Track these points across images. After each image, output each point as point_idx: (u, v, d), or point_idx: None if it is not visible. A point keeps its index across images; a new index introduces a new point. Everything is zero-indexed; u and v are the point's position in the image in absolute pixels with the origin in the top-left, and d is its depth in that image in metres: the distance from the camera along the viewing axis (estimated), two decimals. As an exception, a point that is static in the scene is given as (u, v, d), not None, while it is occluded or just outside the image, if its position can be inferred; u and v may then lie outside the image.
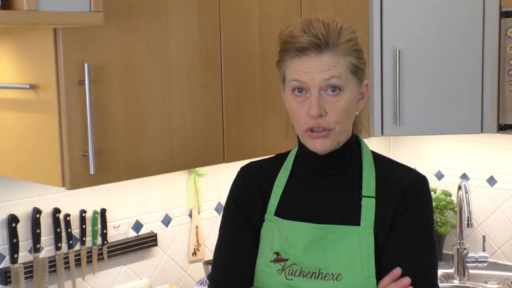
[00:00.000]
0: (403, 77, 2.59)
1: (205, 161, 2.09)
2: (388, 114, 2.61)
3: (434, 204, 2.97)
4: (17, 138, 1.89)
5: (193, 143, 2.03)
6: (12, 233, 2.08)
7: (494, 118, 2.60)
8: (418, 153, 3.21)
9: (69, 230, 2.20)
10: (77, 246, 2.25)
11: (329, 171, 1.65)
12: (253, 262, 1.66)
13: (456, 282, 2.84)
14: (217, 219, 2.54)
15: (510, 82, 2.56)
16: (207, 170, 2.57)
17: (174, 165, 2.00)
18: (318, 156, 1.63)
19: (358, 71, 1.60)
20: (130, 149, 1.88)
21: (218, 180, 2.64)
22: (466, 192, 2.74)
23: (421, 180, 1.64)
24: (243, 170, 1.75)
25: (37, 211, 2.12)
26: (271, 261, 1.62)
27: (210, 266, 1.77)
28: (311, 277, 1.58)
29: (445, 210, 3.02)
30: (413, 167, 1.70)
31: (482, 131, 2.62)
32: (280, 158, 1.73)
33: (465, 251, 2.82)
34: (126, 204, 2.38)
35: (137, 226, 2.42)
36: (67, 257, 2.21)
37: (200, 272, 2.59)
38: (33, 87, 1.80)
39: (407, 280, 1.55)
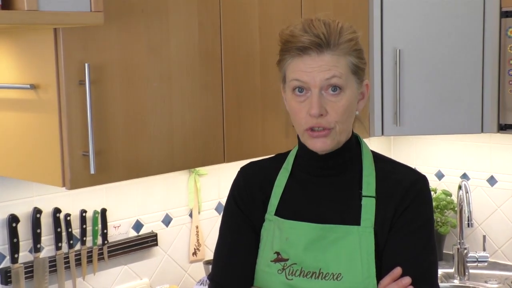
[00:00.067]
0: (403, 77, 2.59)
1: (205, 161, 2.09)
2: (389, 114, 2.61)
3: (434, 204, 2.98)
4: (18, 138, 1.89)
5: (193, 143, 2.03)
6: (13, 233, 2.08)
7: (494, 118, 2.60)
8: (419, 153, 3.21)
9: (70, 230, 2.20)
10: (78, 246, 2.25)
11: (329, 171, 1.65)
12: (253, 262, 1.66)
13: (456, 282, 2.84)
14: (218, 219, 2.54)
15: (510, 82, 2.56)
16: (208, 170, 2.57)
17: (174, 165, 2.00)
18: (318, 156, 1.63)
19: (359, 71, 1.60)
20: (130, 149, 1.88)
21: (219, 180, 2.64)
22: (467, 192, 2.74)
23: (421, 180, 1.64)
24: (243, 170, 1.75)
25: (37, 211, 2.13)
26: (271, 261, 1.62)
27: (210, 266, 1.77)
28: (311, 277, 1.58)
29: (445, 210, 3.02)
30: (413, 167, 1.70)
31: (482, 131, 2.62)
32: (280, 158, 1.73)
33: (465, 251, 2.82)
34: (127, 204, 2.38)
35: (138, 226, 2.42)
36: (68, 257, 2.21)
37: (200, 272, 2.59)
38: (33, 87, 1.80)
39: (407, 280, 1.55)
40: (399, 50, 2.57)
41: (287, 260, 1.61)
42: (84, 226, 2.24)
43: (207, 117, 2.06)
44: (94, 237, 2.28)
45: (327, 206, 1.63)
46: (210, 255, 2.51)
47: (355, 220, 1.60)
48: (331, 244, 1.59)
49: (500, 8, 2.56)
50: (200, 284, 2.45)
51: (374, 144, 3.06)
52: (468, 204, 2.73)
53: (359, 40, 1.60)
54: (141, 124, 1.90)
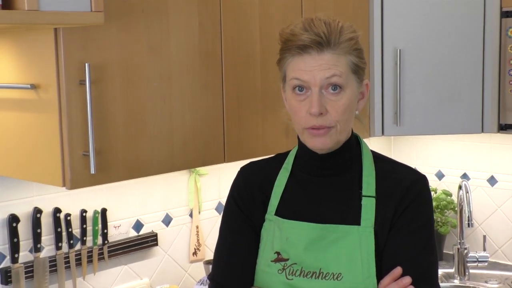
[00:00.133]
0: (403, 77, 2.59)
1: (205, 161, 2.09)
2: (389, 114, 2.61)
3: (434, 204, 2.98)
4: (18, 138, 1.89)
5: (194, 143, 2.03)
6: (13, 233, 2.08)
7: (494, 118, 2.60)
8: (419, 153, 3.21)
9: (70, 229, 2.20)
10: (78, 246, 2.25)
11: (329, 171, 1.65)
12: (253, 262, 1.66)
13: (456, 281, 2.84)
14: (218, 219, 2.54)
15: (511, 82, 2.56)
16: (208, 170, 2.57)
17: (175, 165, 2.00)
18: (318, 155, 1.63)
19: (359, 70, 1.60)
20: (130, 148, 1.88)
21: (219, 180, 2.64)
22: (467, 192, 2.74)
23: (422, 180, 1.64)
24: (243, 170, 1.75)
25: (37, 211, 2.13)
26: (271, 261, 1.62)
27: (210, 266, 1.77)
28: (311, 276, 1.58)
29: (445, 210, 3.02)
30: (413, 167, 1.70)
31: (482, 131, 2.62)
32: (280, 158, 1.73)
33: (465, 251, 2.82)
34: (127, 203, 2.38)
35: (138, 225, 2.42)
36: (68, 257, 2.21)
37: (200, 272, 2.59)
38: (33, 87, 1.80)
39: (407, 280, 1.55)
40: (400, 50, 2.57)
41: (287, 260, 1.61)
42: (84, 226, 2.24)
43: (207, 117, 2.06)
44: (94, 237, 2.28)
45: (327, 206, 1.63)
46: (210, 255, 2.51)
47: (355, 220, 1.60)
48: (331, 244, 1.59)
49: (501, 8, 2.56)
50: (200, 284, 2.45)
51: (374, 144, 3.06)
52: (468, 204, 2.73)
53: (359, 40, 1.61)
54: (141, 124, 1.90)
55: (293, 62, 1.57)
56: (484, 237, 2.83)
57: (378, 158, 1.68)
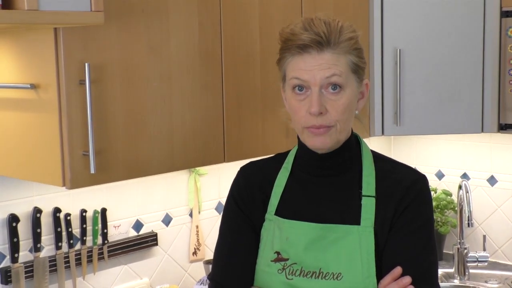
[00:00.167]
0: (403, 77, 2.59)
1: (205, 161, 2.09)
2: (389, 113, 2.61)
3: (434, 203, 2.98)
4: (18, 138, 1.89)
5: (194, 142, 2.03)
6: (13, 233, 2.08)
7: (494, 118, 2.60)
8: (419, 152, 3.21)
9: (70, 229, 2.20)
10: (78, 246, 2.25)
11: (329, 170, 1.65)
12: (253, 262, 1.66)
13: (456, 281, 2.84)
14: (218, 218, 2.54)
15: (511, 82, 2.56)
16: (208, 170, 2.57)
17: (175, 165, 2.00)
18: (318, 155, 1.63)
19: (359, 70, 1.60)
20: (130, 148, 1.88)
21: (219, 179, 2.64)
22: (467, 192, 2.74)
23: (422, 180, 1.64)
24: (243, 169, 1.75)
25: (37, 211, 2.13)
26: (271, 261, 1.62)
27: (210, 266, 1.77)
28: (311, 276, 1.58)
29: (445, 210, 3.02)
30: (413, 167, 1.70)
31: (482, 131, 2.62)
32: (280, 158, 1.73)
33: (465, 251, 2.82)
34: (127, 203, 2.38)
35: (138, 225, 2.42)
36: (68, 257, 2.21)
37: (200, 271, 2.59)
38: (33, 86, 1.80)
39: (407, 279, 1.55)
40: (400, 50, 2.57)
41: (287, 260, 1.61)
42: (84, 226, 2.24)
43: (207, 117, 2.06)
44: (94, 236, 2.28)
45: (327, 206, 1.63)
46: (210, 255, 2.51)
47: (355, 219, 1.60)
48: (331, 244, 1.59)
49: (501, 7, 2.56)
50: (200, 284, 2.45)
51: (374, 144, 3.06)
52: (468, 204, 2.73)
53: (359, 39, 1.61)
54: (141, 123, 1.90)
55: (293, 61, 1.57)
56: (484, 237, 2.83)
57: (378, 158, 1.68)
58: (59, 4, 1.58)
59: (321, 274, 1.58)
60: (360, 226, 1.59)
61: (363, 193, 1.61)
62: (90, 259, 2.27)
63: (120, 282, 2.38)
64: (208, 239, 2.62)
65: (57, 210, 2.17)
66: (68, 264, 2.21)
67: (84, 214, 2.24)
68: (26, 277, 2.11)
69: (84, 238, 2.24)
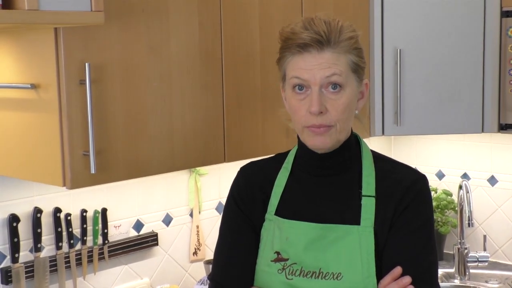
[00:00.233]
0: (403, 77, 2.59)
1: (205, 161, 2.09)
2: (389, 113, 2.61)
3: (435, 203, 2.98)
4: (18, 138, 1.89)
5: (194, 142, 2.03)
6: (13, 233, 2.08)
7: (495, 118, 2.60)
8: (419, 152, 3.21)
9: (70, 229, 2.20)
10: (78, 246, 2.25)
11: (329, 170, 1.65)
12: (253, 262, 1.66)
13: (457, 281, 2.84)
14: (218, 218, 2.53)
15: (511, 82, 2.56)
16: (208, 170, 2.57)
17: (175, 165, 2.00)
18: (318, 155, 1.63)
19: (359, 70, 1.60)
20: (130, 148, 1.88)
21: (219, 179, 2.64)
22: (467, 192, 2.74)
23: (422, 180, 1.64)
24: (243, 169, 1.75)
25: (38, 211, 2.13)
26: (271, 261, 1.62)
27: (210, 266, 1.77)
28: (311, 276, 1.58)
29: (446, 210, 3.02)
30: (413, 167, 1.70)
31: (483, 131, 2.62)
32: (280, 158, 1.73)
33: (466, 251, 2.82)
34: (127, 203, 2.38)
35: (138, 225, 2.42)
36: (68, 257, 2.21)
37: (201, 271, 2.59)
38: (34, 86, 1.80)
39: (407, 279, 1.55)
40: (400, 50, 2.57)
41: (287, 259, 1.61)
42: (85, 226, 2.25)
43: (208, 117, 2.06)
44: (95, 236, 2.28)
45: (327, 205, 1.63)
46: (210, 255, 2.51)
47: (355, 219, 1.60)
48: (331, 243, 1.59)
49: (501, 7, 2.56)
50: (201, 284, 2.45)
51: (374, 144, 3.06)
52: (469, 204, 2.73)
53: (359, 39, 1.61)
54: (141, 123, 1.90)
55: (293, 60, 1.57)
56: (485, 237, 2.83)
57: (378, 158, 1.68)
58: (59, 4, 1.58)
59: (321, 274, 1.58)
60: (360, 226, 1.59)
61: (363, 193, 1.61)
62: (90, 259, 2.27)
63: (120, 282, 2.38)
64: (208, 239, 2.62)
65: (57, 210, 2.17)
66: (68, 264, 2.21)
67: (84, 214, 2.24)
68: (26, 277, 2.11)
69: (85, 238, 2.25)
